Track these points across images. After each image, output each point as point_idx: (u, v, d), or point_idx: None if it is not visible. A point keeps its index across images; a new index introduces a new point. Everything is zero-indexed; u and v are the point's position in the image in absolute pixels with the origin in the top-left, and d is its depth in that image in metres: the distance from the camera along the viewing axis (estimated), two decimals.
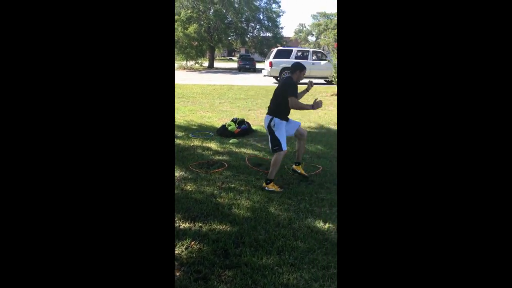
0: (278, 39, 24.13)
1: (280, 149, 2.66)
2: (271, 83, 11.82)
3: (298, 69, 2.82)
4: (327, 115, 6.03)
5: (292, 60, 11.88)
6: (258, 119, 5.43)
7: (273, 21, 24.08)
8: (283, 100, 2.69)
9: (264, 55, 18.96)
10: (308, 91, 3.03)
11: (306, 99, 4.14)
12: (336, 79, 8.58)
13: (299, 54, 12.40)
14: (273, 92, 2.92)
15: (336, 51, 8.75)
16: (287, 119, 2.80)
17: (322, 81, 12.51)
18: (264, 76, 12.88)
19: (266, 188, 2.67)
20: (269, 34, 24.24)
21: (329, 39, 36.88)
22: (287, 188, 2.71)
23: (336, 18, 47.25)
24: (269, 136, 2.76)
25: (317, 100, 2.75)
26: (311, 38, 48.31)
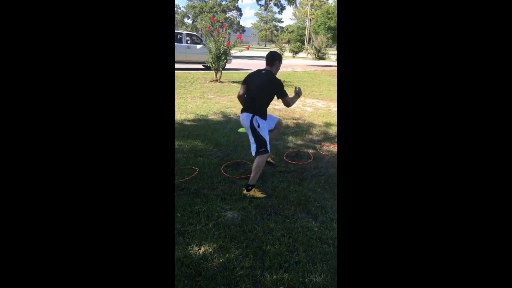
0: None
1: (266, 151, 2.41)
2: None
3: (277, 59, 2.56)
4: (205, 104, 5.60)
5: None
6: None
7: None
8: (268, 99, 2.53)
9: None
10: (299, 96, 2.71)
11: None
12: (213, 64, 8.25)
13: None
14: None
15: (212, 35, 8.31)
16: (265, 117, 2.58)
17: (200, 66, 11.97)
18: None
19: (248, 195, 2.33)
20: None
21: (206, 23, 36.29)
22: None
23: (211, 2, 47.06)
24: (251, 137, 2.46)
25: (297, 89, 2.69)
26: (188, 21, 46.67)
